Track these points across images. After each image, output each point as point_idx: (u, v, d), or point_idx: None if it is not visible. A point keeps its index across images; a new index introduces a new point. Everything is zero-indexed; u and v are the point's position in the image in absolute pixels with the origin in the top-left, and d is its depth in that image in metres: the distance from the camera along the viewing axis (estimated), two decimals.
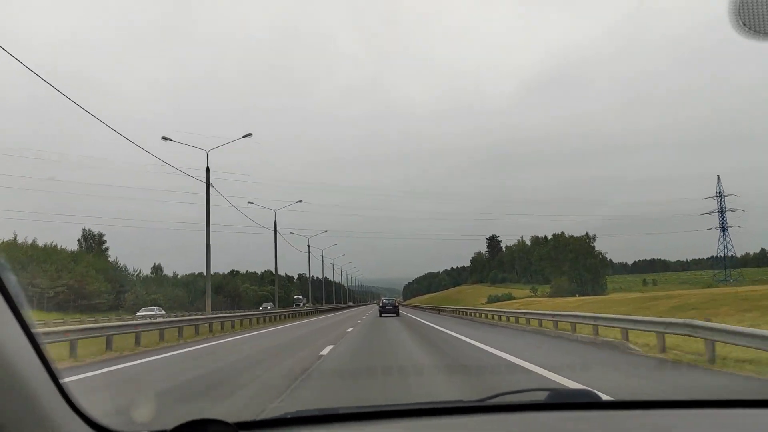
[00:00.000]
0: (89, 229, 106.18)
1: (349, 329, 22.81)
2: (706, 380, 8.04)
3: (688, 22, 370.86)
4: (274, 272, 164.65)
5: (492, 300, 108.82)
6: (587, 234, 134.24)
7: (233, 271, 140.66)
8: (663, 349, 10.92)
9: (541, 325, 21.22)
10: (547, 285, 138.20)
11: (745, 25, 1.59)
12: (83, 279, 74.55)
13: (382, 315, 40.58)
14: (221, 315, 27.82)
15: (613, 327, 14.16)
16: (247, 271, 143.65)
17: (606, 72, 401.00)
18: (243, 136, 34.36)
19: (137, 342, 15.00)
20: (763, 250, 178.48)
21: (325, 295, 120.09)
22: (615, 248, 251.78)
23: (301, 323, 33.25)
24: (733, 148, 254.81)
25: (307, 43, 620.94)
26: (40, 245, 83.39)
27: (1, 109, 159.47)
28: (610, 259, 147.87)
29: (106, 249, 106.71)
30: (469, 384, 8.25)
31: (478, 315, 36.18)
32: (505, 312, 29.36)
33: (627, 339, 12.69)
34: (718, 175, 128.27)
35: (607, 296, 69.63)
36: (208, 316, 27.45)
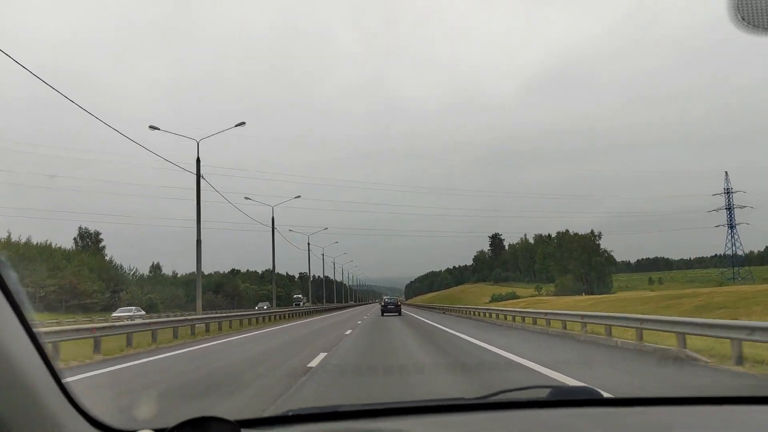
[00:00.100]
0: (85, 228, 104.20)
1: (348, 332, 20.58)
2: None
3: (690, 21, 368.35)
4: (272, 269, 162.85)
5: (496, 299, 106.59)
6: (592, 231, 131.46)
7: (234, 270, 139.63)
8: (739, 360, 8.72)
9: (565, 327, 18.78)
10: (551, 284, 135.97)
11: (744, 19, 1.58)
12: (76, 278, 72.51)
13: (385, 314, 40.28)
14: (208, 316, 25.66)
15: (664, 331, 11.97)
16: (247, 270, 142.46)
17: (608, 70, 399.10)
18: (236, 125, 32.35)
19: (96, 349, 12.78)
20: (767, 248, 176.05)
21: (327, 294, 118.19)
22: (617, 246, 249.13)
23: (297, 324, 31.00)
24: (737, 146, 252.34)
25: (308, 43, 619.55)
26: (35, 243, 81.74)
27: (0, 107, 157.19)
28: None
29: (103, 248, 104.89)
30: None
31: (487, 315, 33.68)
32: (520, 312, 26.80)
33: (684, 346, 10.63)
34: (726, 172, 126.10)
35: (620, 295, 67.14)
36: (195, 317, 25.47)
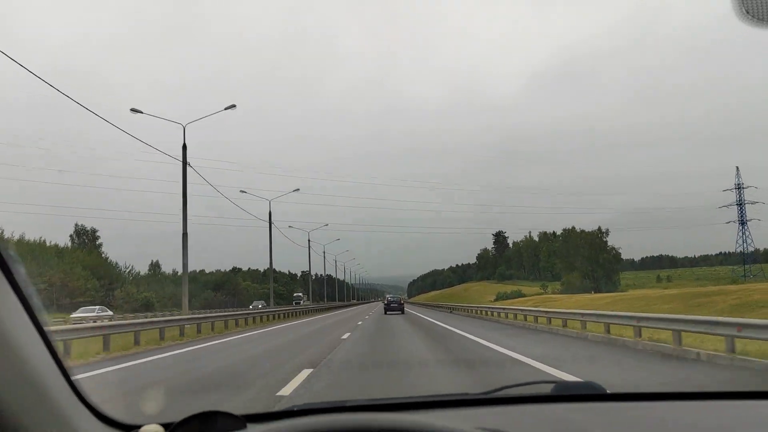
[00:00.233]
0: (82, 225, 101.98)
1: (346, 335, 17.80)
2: None
3: (697, 16, 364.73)
4: (276, 270, 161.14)
5: (501, 297, 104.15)
6: (600, 228, 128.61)
7: (235, 268, 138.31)
8: None
9: (584, 327, 16.64)
10: (556, 281, 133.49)
11: (748, 12, 1.58)
12: (68, 276, 70.13)
13: (387, 312, 40.96)
14: (191, 317, 23.05)
15: (713, 334, 9.83)
16: (249, 269, 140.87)
17: (610, 68, 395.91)
18: (225, 108, 29.86)
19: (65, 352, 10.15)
20: None
21: (328, 292, 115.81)
22: (620, 244, 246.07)
23: (291, 325, 28.32)
24: (742, 144, 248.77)
25: (311, 42, 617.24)
26: (28, 241, 79.54)
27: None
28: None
29: (100, 245, 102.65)
30: None
31: (498, 315, 30.84)
32: (536, 312, 23.96)
33: (733, 350, 9.22)
34: (737, 167, 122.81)
35: (635, 293, 64.02)
36: (176, 317, 23.02)
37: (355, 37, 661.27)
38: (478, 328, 21.20)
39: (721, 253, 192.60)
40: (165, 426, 1.23)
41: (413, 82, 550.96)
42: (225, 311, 39.10)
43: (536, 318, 22.77)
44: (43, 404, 1.03)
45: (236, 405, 6.35)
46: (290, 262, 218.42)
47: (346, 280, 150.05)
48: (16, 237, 76.76)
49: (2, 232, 74.29)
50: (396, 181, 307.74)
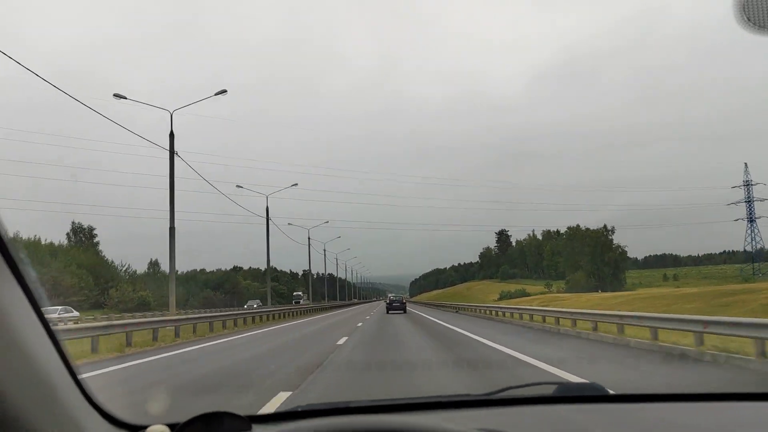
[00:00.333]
0: (79, 223, 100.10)
1: (341, 340, 15.42)
2: None
3: (700, 16, 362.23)
4: (277, 269, 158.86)
5: (504, 296, 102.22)
6: (605, 226, 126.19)
7: (236, 267, 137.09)
8: None
9: (621, 331, 14.47)
10: (560, 280, 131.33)
11: (749, 20, 1.60)
12: (61, 275, 68.22)
13: (390, 312, 40.92)
14: (174, 318, 21.05)
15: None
16: (250, 268, 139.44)
17: (613, 67, 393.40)
18: (215, 94, 27.90)
19: None
20: None
21: (329, 291, 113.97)
22: (623, 243, 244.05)
23: (285, 327, 26.21)
24: (747, 142, 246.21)
25: (313, 42, 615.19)
26: (22, 239, 77.76)
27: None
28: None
29: (97, 243, 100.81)
30: None
31: (511, 315, 28.36)
32: (558, 313, 21.26)
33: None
34: (746, 163, 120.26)
35: (650, 290, 61.70)
36: (166, 318, 21.08)
37: (356, 37, 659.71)
38: (492, 331, 19.00)
39: (725, 251, 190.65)
40: (171, 426, 1.25)
41: (416, 82, 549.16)
42: (214, 312, 36.73)
43: (558, 320, 20.20)
44: (52, 404, 1.03)
45: None
46: (292, 261, 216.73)
47: (347, 279, 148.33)
48: (10, 236, 74.96)
49: (14, 234, 72.93)
50: (398, 179, 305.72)
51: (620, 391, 1.94)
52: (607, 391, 1.94)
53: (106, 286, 79.12)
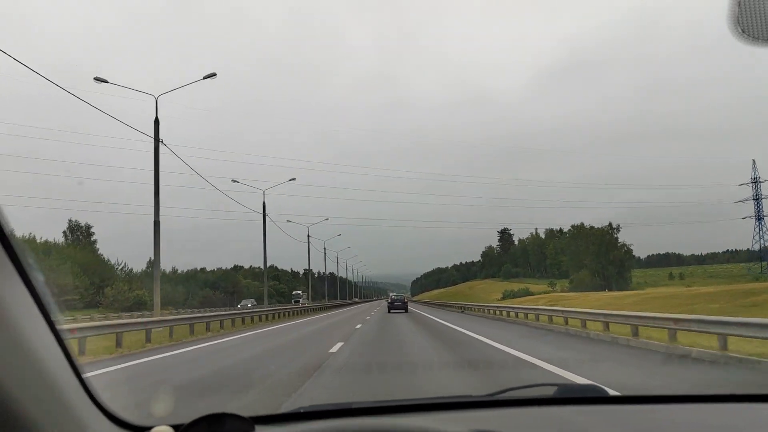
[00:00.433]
0: (76, 220, 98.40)
1: (336, 347, 13.09)
2: None
3: (704, 11, 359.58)
4: (278, 267, 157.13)
5: (508, 296, 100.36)
6: (610, 224, 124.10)
7: (236, 266, 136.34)
8: None
9: (674, 338, 12.21)
10: (564, 279, 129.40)
11: (744, 32, 1.62)
12: (54, 273, 66.42)
13: (391, 311, 41.04)
14: (153, 320, 19.19)
15: None
16: (251, 267, 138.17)
17: (620, 63, 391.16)
18: (204, 77, 26.03)
19: None
20: None
21: (330, 290, 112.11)
22: (625, 241, 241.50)
23: (278, 328, 24.24)
24: (751, 138, 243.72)
25: (318, 36, 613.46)
26: (18, 237, 76.01)
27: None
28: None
29: (95, 241, 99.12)
30: None
31: (525, 316, 25.92)
32: (582, 314, 18.64)
33: None
34: (754, 160, 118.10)
35: (662, 290, 59.39)
36: (149, 319, 19.28)
37: (359, 31, 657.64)
38: (508, 334, 17.01)
39: (728, 250, 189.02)
40: (175, 427, 1.26)
41: (418, 78, 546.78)
42: (200, 313, 34.63)
43: (583, 322, 17.76)
44: (57, 404, 1.04)
45: None
46: (293, 260, 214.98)
47: (348, 278, 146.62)
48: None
49: (16, 234, 70.76)
50: (400, 176, 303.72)
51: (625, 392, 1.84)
52: (608, 393, 1.94)
53: (102, 284, 77.38)
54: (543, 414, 1.79)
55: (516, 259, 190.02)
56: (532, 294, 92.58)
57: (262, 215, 45.54)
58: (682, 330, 12.22)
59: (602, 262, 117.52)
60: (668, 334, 12.54)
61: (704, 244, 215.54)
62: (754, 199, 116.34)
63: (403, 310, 41.54)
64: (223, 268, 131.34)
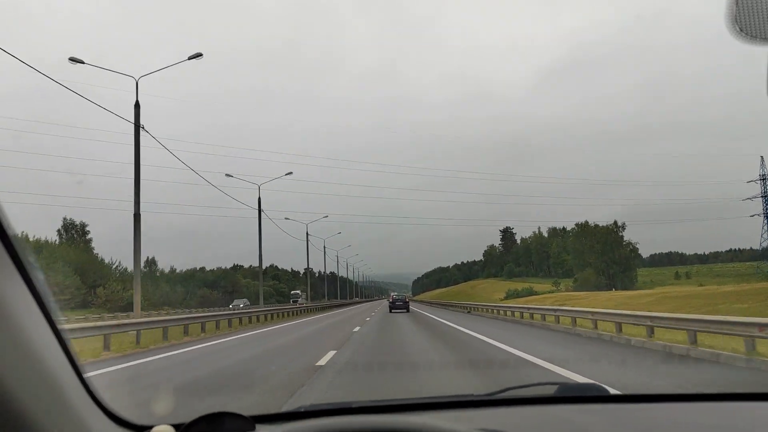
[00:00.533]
0: (70, 218, 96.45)
1: (325, 358, 10.59)
2: None
3: (705, 7, 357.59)
4: (279, 267, 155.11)
5: (511, 295, 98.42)
6: (616, 222, 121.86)
7: (236, 265, 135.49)
8: None
9: (752, 349, 9.72)
10: (568, 279, 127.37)
11: (742, 30, 1.61)
12: (43, 273, 64.34)
13: (392, 311, 41.22)
14: (126, 323, 17.12)
15: None
16: (251, 266, 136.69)
17: (624, 59, 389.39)
18: (189, 57, 23.96)
19: None
20: None
21: (331, 290, 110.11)
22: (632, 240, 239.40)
23: (267, 331, 21.97)
24: (753, 136, 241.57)
25: (319, 31, 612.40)
26: (18, 236, 74.15)
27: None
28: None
29: (90, 240, 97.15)
30: None
31: (543, 318, 22.89)
32: (631, 315, 15.12)
33: None
34: (762, 156, 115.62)
35: (676, 289, 56.84)
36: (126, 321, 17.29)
37: (361, 29, 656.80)
38: (535, 341, 14.44)
39: (731, 249, 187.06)
40: (175, 427, 1.26)
41: (419, 75, 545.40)
42: (180, 315, 32.08)
43: (618, 326, 14.93)
44: (58, 403, 1.05)
45: None
46: (294, 259, 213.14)
47: (348, 277, 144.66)
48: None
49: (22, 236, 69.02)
50: (400, 175, 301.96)
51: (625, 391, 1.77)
52: (609, 392, 1.93)
53: (94, 284, 75.47)
54: (544, 413, 1.78)
55: (518, 258, 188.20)
56: (536, 293, 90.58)
57: (257, 211, 43.57)
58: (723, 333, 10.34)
59: (607, 260, 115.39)
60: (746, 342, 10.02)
61: (707, 243, 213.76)
62: (762, 197, 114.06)
63: (405, 310, 42.02)
64: (223, 267, 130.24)
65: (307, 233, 63.53)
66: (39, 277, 1.00)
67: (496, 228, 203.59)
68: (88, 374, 1.16)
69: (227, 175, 41.83)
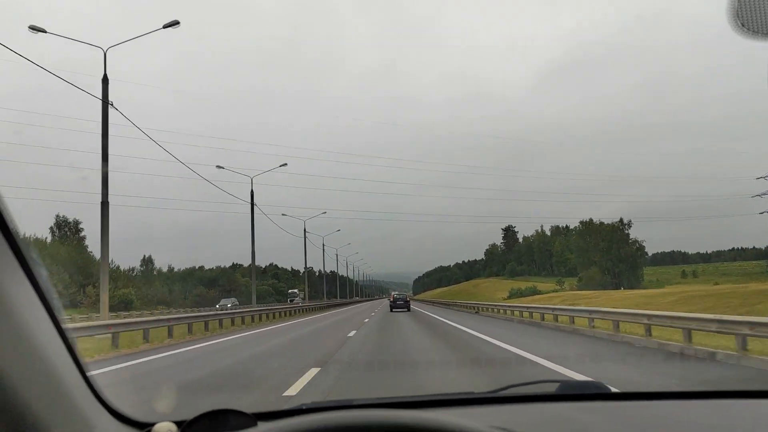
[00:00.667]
0: (63, 216, 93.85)
1: (294, 388, 7.23)
2: None
3: (705, 6, 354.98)
4: (278, 266, 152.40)
5: (514, 294, 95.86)
6: (621, 220, 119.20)
7: (235, 264, 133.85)
8: None
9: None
10: (572, 277, 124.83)
11: (743, 26, 1.61)
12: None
13: (393, 310, 41.38)
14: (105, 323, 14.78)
15: None
16: (249, 265, 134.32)
17: (626, 58, 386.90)
18: (164, 26, 21.43)
19: None
20: None
21: (330, 289, 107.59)
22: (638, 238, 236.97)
23: (252, 335, 19.32)
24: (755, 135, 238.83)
25: (319, 31, 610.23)
26: (20, 233, 71.86)
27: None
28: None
29: (83, 238, 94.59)
30: None
31: (571, 320, 19.89)
32: (670, 319, 12.80)
33: None
34: None
35: (692, 288, 53.85)
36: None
37: (361, 29, 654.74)
38: (577, 350, 11.86)
39: (734, 248, 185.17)
40: (177, 423, 1.27)
41: (420, 75, 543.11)
42: (159, 316, 29.29)
43: (648, 328, 12.63)
44: (61, 400, 1.05)
45: None
46: (294, 258, 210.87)
47: (349, 276, 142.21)
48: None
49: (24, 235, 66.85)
50: (402, 174, 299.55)
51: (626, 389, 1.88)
52: (610, 389, 1.93)
53: (85, 283, 72.94)
54: (545, 410, 1.79)
55: (520, 257, 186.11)
56: (540, 293, 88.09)
57: (250, 205, 41.04)
58: None
59: (613, 259, 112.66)
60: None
61: (709, 242, 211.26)
62: None
63: (406, 309, 41.91)
64: (222, 266, 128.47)
65: (304, 230, 61.07)
66: (42, 273, 0.99)
67: (498, 227, 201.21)
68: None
69: (218, 166, 39.36)
